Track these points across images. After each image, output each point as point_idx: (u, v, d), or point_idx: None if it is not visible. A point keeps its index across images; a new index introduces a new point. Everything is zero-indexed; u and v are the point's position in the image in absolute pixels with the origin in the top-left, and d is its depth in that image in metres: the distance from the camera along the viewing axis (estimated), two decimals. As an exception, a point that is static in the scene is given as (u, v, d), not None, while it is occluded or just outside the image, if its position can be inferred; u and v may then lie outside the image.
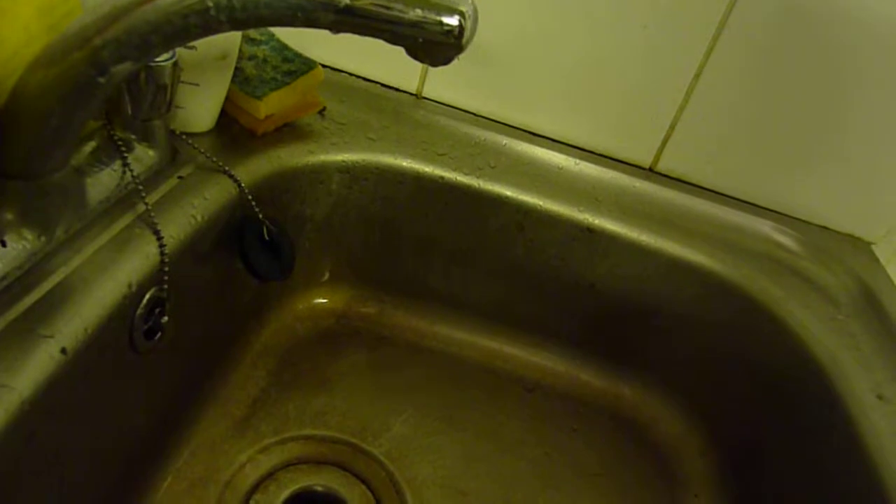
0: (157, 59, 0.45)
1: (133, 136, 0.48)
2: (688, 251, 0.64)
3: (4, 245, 0.38)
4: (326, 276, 0.68)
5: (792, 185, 0.70)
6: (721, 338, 0.65)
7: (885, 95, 0.65)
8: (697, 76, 0.66)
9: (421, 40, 0.35)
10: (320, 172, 0.61)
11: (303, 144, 0.60)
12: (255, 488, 0.53)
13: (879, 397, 0.54)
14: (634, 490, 0.62)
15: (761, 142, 0.68)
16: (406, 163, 0.63)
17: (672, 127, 0.69)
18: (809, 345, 0.59)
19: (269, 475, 0.54)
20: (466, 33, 0.35)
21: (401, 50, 0.36)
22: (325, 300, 0.68)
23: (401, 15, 0.34)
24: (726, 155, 0.70)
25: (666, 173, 0.71)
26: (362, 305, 0.69)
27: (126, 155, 0.46)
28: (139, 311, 0.43)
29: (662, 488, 0.63)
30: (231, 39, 0.52)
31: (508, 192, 0.64)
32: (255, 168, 0.55)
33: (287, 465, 0.55)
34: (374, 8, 0.34)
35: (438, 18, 0.34)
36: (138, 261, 0.43)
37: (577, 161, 0.69)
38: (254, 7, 0.34)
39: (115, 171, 0.46)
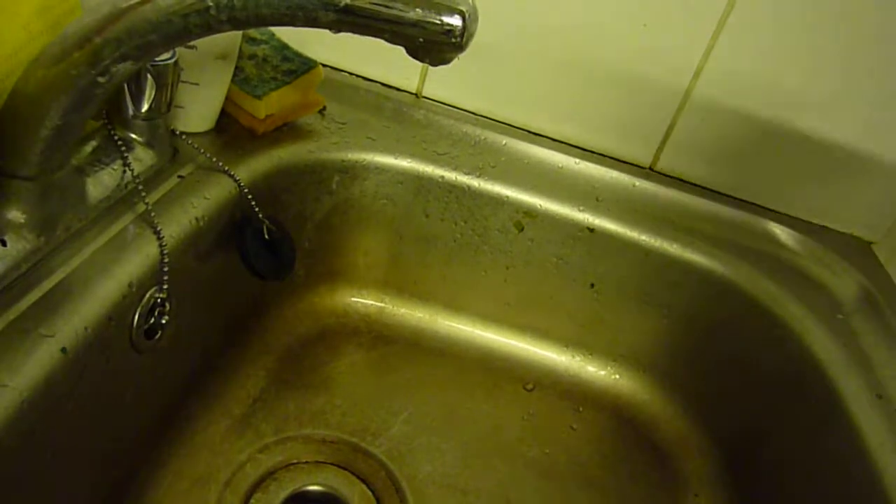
0: (158, 59, 0.45)
1: (133, 136, 0.48)
2: (688, 251, 0.64)
3: (5, 244, 0.38)
4: (326, 275, 0.68)
5: (792, 184, 0.70)
6: (721, 337, 0.65)
7: (884, 94, 0.65)
8: (697, 75, 0.66)
9: (421, 40, 0.35)
10: (320, 172, 0.61)
11: (303, 144, 0.60)
12: (256, 487, 0.53)
13: (879, 397, 0.54)
14: (634, 490, 0.62)
15: (761, 141, 0.68)
16: (406, 162, 0.63)
17: (672, 126, 0.69)
18: (809, 344, 0.59)
19: (270, 474, 0.54)
20: (467, 33, 0.35)
21: (401, 49, 0.36)
22: (325, 299, 0.68)
23: (401, 14, 0.34)
24: (726, 154, 0.70)
25: (666, 172, 0.71)
26: (362, 305, 0.69)
27: (126, 154, 0.46)
28: (139, 311, 0.43)
29: (662, 488, 0.63)
30: (231, 39, 0.52)
31: (508, 192, 0.64)
32: (256, 167, 0.55)
33: (287, 465, 0.55)
34: (374, 7, 0.34)
35: (439, 18, 0.34)
36: (138, 260, 0.43)
37: (577, 160, 0.69)
38: (254, 6, 0.34)
39: (115, 170, 0.46)
